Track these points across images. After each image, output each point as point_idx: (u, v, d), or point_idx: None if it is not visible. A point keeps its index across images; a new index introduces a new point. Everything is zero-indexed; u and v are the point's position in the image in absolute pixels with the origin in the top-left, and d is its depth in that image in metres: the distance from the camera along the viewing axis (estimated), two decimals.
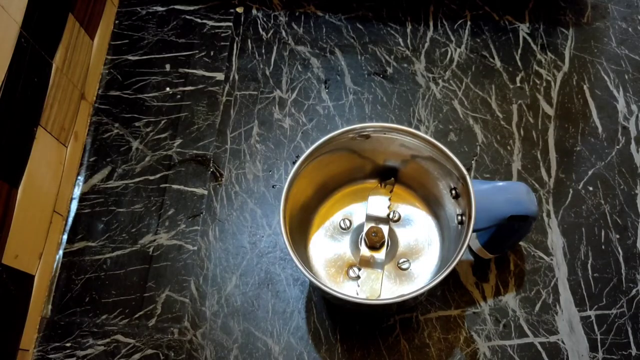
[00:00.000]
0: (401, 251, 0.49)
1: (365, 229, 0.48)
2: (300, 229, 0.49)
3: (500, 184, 0.45)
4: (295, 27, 0.64)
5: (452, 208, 0.46)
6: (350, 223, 0.50)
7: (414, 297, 0.40)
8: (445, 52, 0.62)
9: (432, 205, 0.50)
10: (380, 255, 0.48)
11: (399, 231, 0.50)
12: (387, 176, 0.51)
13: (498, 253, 0.51)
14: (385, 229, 0.48)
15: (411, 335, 0.50)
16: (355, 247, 0.49)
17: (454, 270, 0.52)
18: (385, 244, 0.48)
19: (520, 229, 0.46)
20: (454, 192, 0.45)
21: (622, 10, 0.64)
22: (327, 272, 0.49)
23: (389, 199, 0.50)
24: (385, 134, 0.45)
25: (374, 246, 0.48)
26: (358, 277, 0.48)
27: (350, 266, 0.49)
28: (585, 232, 0.54)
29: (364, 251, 0.48)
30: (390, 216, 0.50)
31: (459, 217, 0.45)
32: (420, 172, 0.48)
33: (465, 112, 0.59)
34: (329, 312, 0.51)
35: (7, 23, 0.47)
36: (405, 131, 0.45)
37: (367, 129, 0.45)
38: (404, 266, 0.49)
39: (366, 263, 0.48)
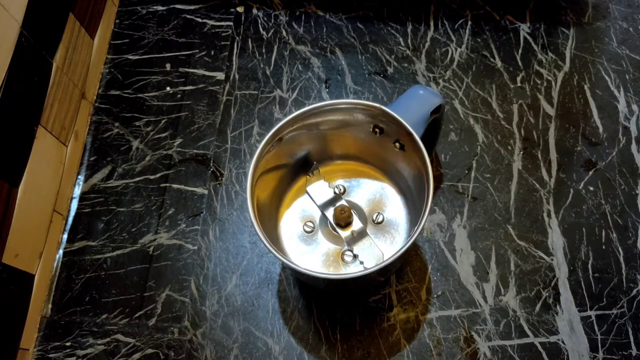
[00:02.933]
0: (368, 210, 0.51)
1: (330, 217, 0.49)
2: (278, 244, 0.49)
3: (402, 97, 0.48)
4: (295, 26, 0.64)
5: (378, 143, 0.48)
6: (313, 223, 0.51)
7: (382, 268, 0.41)
8: (445, 52, 0.62)
9: (362, 155, 0.51)
10: (357, 225, 0.49)
11: (353, 197, 0.51)
12: (310, 164, 0.52)
13: (430, 151, 0.55)
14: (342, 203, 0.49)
15: (411, 335, 0.50)
16: (333, 237, 0.50)
17: (454, 270, 0.52)
18: (353, 214, 0.49)
19: (439, 119, 0.50)
20: (377, 129, 0.47)
21: (622, 10, 0.64)
22: (328, 271, 0.49)
23: (325, 180, 0.50)
24: (293, 126, 0.46)
25: (348, 223, 0.49)
26: (355, 256, 0.48)
27: (342, 254, 0.49)
28: (585, 232, 0.54)
29: (343, 234, 0.49)
30: (337, 192, 0.51)
31: (397, 144, 0.47)
32: (327, 140, 0.50)
33: (466, 111, 0.59)
34: (329, 312, 0.51)
35: (8, 22, 0.47)
36: (309, 111, 0.45)
37: (278, 135, 0.45)
38: (379, 219, 0.50)
39: (352, 240, 0.48)
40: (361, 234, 0.49)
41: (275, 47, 0.63)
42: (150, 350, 0.51)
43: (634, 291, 0.51)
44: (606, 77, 0.60)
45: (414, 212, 0.48)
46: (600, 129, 0.58)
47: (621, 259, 0.53)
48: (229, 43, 0.63)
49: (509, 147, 0.57)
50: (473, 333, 0.50)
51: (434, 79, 0.61)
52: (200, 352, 0.50)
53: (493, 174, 0.56)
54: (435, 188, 0.56)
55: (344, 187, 0.52)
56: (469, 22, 0.63)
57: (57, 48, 0.54)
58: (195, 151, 0.58)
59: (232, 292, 0.52)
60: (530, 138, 0.58)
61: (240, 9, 0.65)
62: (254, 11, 0.65)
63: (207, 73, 0.62)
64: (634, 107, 0.59)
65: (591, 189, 0.55)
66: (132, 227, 0.55)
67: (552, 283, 0.52)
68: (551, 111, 0.59)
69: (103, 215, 0.56)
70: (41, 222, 0.52)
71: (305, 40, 0.63)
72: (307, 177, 0.51)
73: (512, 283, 0.52)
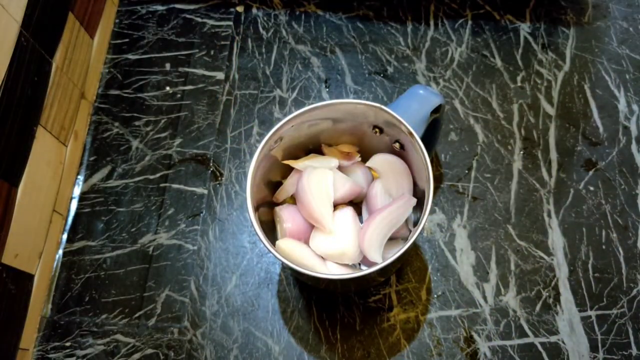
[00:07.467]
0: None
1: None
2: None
3: (402, 96, 0.48)
4: (295, 26, 0.64)
5: (378, 143, 0.49)
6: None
7: (382, 268, 0.40)
8: (445, 52, 0.62)
9: (363, 155, 0.50)
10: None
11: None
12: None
13: (430, 151, 0.55)
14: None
15: (411, 335, 0.50)
16: None
17: (454, 270, 0.52)
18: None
19: (439, 119, 0.50)
20: (377, 129, 0.47)
21: (623, 10, 0.63)
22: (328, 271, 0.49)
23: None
24: (293, 126, 0.45)
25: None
26: None
27: None
28: (585, 232, 0.54)
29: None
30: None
31: (396, 144, 0.47)
32: (327, 140, 0.50)
33: (466, 111, 0.59)
34: (329, 312, 0.51)
35: (7, 22, 0.47)
36: (309, 111, 0.45)
37: (278, 134, 0.45)
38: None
39: None
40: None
41: (275, 47, 0.63)
42: (150, 351, 0.51)
43: (634, 291, 0.51)
44: (606, 77, 0.60)
45: (414, 212, 0.48)
46: (601, 129, 0.58)
47: (621, 258, 0.53)
48: (228, 43, 0.63)
49: (509, 147, 0.57)
50: (473, 333, 0.50)
51: (434, 78, 0.61)
52: (200, 352, 0.50)
53: (493, 174, 0.56)
54: (435, 188, 0.56)
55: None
56: (469, 22, 0.63)
57: (57, 48, 0.54)
58: (195, 151, 0.58)
59: (231, 292, 0.52)
60: (531, 138, 0.58)
61: (240, 9, 0.65)
62: (254, 11, 0.64)
63: (206, 73, 0.62)
64: (634, 106, 0.59)
65: (591, 188, 0.55)
66: (131, 227, 0.55)
67: (552, 283, 0.52)
68: (551, 111, 0.59)
69: (103, 215, 0.56)
70: (41, 222, 0.52)
71: (305, 40, 0.63)
72: None
73: (512, 283, 0.52)
